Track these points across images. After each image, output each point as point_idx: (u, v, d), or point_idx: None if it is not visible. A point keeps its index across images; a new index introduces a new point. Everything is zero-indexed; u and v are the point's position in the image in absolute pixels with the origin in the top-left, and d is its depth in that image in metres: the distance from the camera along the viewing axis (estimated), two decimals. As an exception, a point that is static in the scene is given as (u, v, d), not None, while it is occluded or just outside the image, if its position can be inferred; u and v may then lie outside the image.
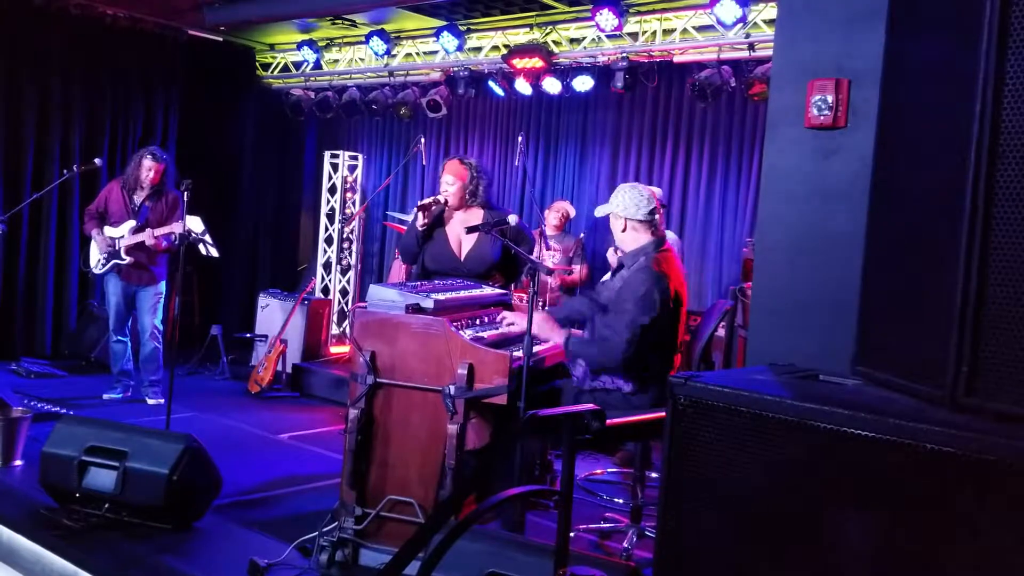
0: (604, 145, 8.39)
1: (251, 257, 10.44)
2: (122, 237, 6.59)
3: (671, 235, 6.70)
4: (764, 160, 3.34)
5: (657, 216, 4.17)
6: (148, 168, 6.63)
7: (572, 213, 7.83)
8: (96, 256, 6.72)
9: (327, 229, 9.70)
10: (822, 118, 3.07)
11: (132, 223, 6.61)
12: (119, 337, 6.89)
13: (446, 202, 4.75)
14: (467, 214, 4.76)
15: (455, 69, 8.56)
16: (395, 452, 3.91)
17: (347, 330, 9.00)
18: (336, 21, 8.64)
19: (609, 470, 5.79)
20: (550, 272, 7.20)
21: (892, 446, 1.77)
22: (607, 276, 5.77)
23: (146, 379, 6.90)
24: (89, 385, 7.25)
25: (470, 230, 4.56)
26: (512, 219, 4.58)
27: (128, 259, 6.61)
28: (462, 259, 4.75)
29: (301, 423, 6.78)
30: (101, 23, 8.62)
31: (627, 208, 4.11)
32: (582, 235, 7.70)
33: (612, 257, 5.79)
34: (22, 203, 7.40)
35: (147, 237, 6.51)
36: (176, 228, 6.54)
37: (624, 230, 4.15)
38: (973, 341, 1.79)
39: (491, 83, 8.34)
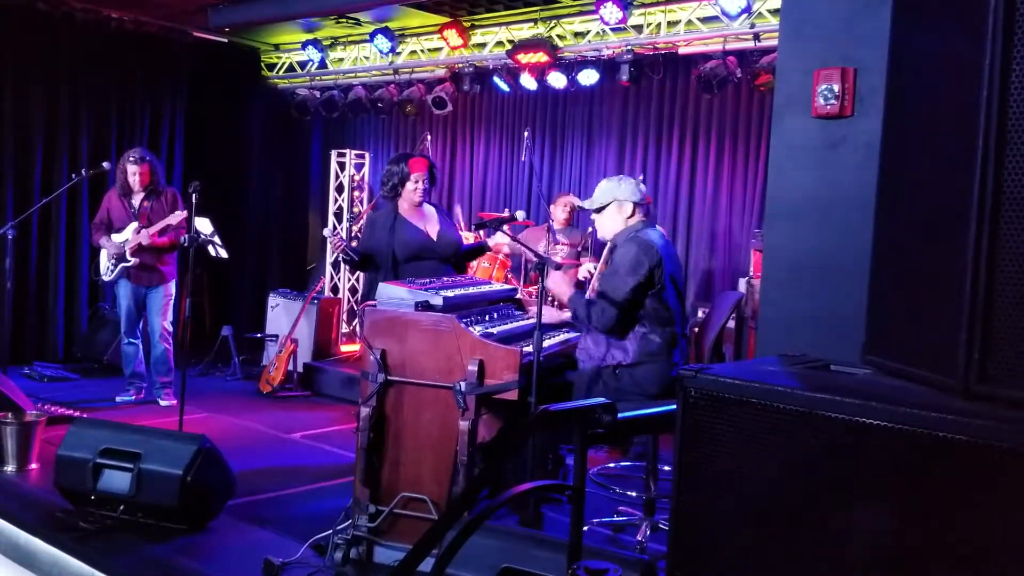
0: (610, 138, 8.38)
1: (260, 257, 10.46)
2: (127, 240, 6.63)
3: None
4: (771, 150, 3.34)
5: (642, 191, 4.34)
6: (133, 173, 6.68)
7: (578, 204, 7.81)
8: (105, 264, 6.77)
9: (335, 228, 9.72)
10: (829, 107, 3.06)
11: (135, 224, 6.66)
12: (130, 339, 6.93)
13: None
14: (424, 208, 5.00)
15: (460, 65, 8.55)
16: (407, 449, 3.92)
17: (357, 328, 9.02)
18: (340, 20, 8.64)
19: (622, 463, 5.79)
20: (558, 267, 7.20)
21: (904, 435, 1.77)
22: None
23: (158, 381, 6.94)
24: (102, 388, 7.29)
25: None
26: (520, 215, 4.63)
27: (134, 260, 6.64)
28: (435, 240, 4.94)
29: (313, 422, 6.80)
30: (106, 27, 8.65)
31: (613, 192, 4.30)
32: (590, 229, 7.69)
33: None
34: (32, 208, 7.44)
35: (143, 238, 6.56)
36: (171, 220, 6.58)
37: (602, 210, 4.32)
38: (984, 327, 1.78)
39: (496, 79, 8.33)
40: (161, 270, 6.78)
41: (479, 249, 5.45)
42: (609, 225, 4.33)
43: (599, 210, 4.34)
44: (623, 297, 4.06)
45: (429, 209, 5.05)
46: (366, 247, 5.00)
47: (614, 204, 4.28)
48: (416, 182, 4.90)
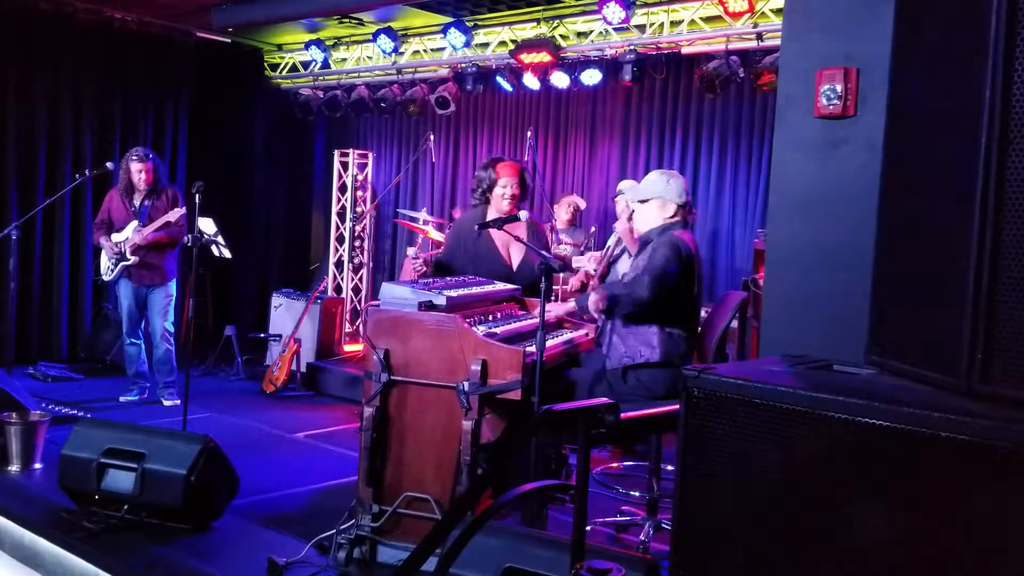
0: (613, 138, 8.38)
1: (263, 257, 10.48)
2: (127, 239, 6.65)
3: None
4: (774, 150, 3.34)
5: (687, 193, 4.38)
6: (138, 171, 6.70)
7: (582, 205, 7.82)
8: (105, 263, 6.79)
9: (338, 228, 9.73)
10: (831, 107, 3.06)
11: (135, 223, 6.68)
12: (133, 340, 6.95)
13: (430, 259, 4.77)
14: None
15: (463, 65, 8.56)
16: (411, 449, 3.92)
17: (360, 328, 9.03)
18: (343, 20, 8.65)
19: (625, 463, 5.79)
20: (574, 271, 7.19)
21: (907, 435, 1.76)
22: (624, 259, 5.67)
23: (161, 381, 6.96)
24: (105, 388, 7.31)
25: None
26: (523, 215, 4.53)
27: (134, 259, 6.66)
28: (514, 268, 4.78)
29: (316, 422, 6.80)
30: (109, 27, 8.66)
31: (660, 189, 4.28)
32: (593, 229, 7.70)
33: (622, 226, 5.63)
34: (35, 208, 7.46)
35: (138, 237, 6.58)
36: (170, 217, 6.60)
37: (645, 202, 4.30)
38: (987, 327, 1.78)
39: (499, 79, 8.34)
40: (161, 270, 6.79)
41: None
42: (648, 220, 4.33)
43: (642, 202, 4.33)
44: (645, 299, 4.07)
45: (519, 226, 4.63)
46: (444, 260, 4.85)
47: (657, 200, 4.28)
48: (504, 187, 4.69)
